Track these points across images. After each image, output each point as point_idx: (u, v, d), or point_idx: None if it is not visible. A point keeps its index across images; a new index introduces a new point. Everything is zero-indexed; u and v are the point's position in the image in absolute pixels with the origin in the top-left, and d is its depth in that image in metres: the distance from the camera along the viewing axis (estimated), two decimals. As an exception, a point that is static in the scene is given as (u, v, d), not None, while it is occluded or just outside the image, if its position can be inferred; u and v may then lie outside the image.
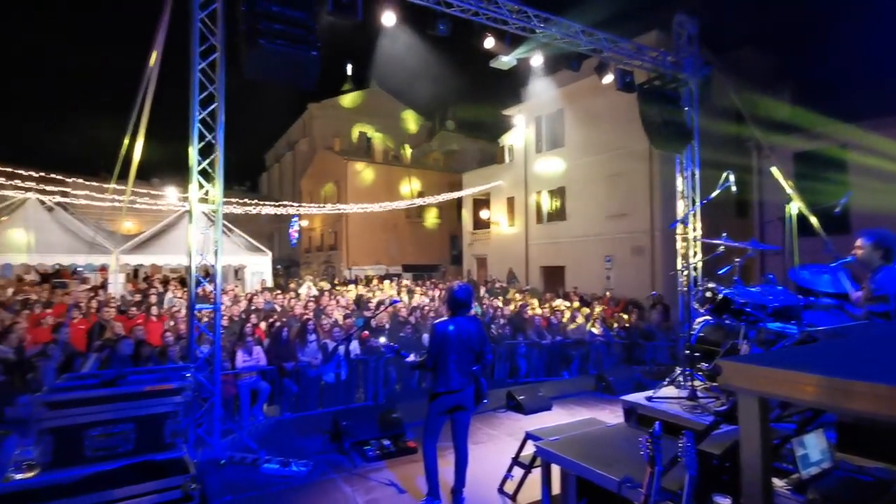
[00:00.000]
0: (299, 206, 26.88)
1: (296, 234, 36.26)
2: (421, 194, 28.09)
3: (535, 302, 12.61)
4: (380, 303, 11.32)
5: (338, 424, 5.60)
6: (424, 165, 33.44)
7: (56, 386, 2.98)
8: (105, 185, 15.29)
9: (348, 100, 36.91)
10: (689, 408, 4.03)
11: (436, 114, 38.38)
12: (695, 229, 8.44)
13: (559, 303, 12.58)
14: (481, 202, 25.72)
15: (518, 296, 14.21)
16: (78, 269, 16.26)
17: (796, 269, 4.19)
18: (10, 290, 12.56)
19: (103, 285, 14.80)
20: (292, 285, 17.13)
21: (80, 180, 17.02)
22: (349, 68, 39.39)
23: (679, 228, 8.42)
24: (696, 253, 8.21)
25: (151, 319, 8.80)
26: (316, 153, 34.20)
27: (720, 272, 4.45)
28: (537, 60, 8.01)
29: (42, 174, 15.07)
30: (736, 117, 14.69)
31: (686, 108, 8.56)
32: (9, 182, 14.54)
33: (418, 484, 4.65)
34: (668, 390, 4.47)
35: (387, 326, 8.82)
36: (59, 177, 15.45)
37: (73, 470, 2.19)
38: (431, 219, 31.79)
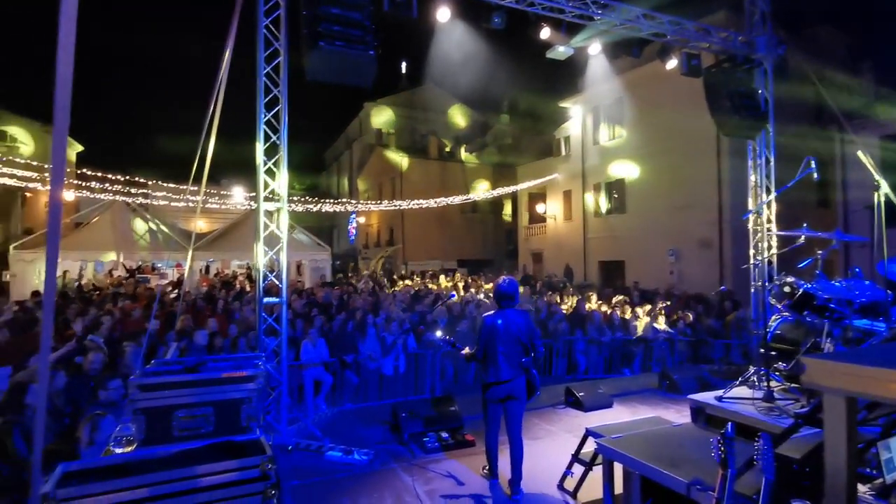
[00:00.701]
0: (357, 202, 27.58)
1: (354, 231, 37.25)
2: (475, 189, 28.06)
3: (594, 297, 12.31)
4: (437, 297, 11.43)
5: (397, 415, 5.72)
6: (479, 160, 33.36)
7: (146, 371, 3.26)
8: (181, 187, 16.36)
9: (403, 97, 37.39)
10: (765, 409, 3.81)
11: (490, 108, 38.14)
12: (769, 220, 7.91)
13: (619, 298, 12.19)
14: (537, 196, 25.34)
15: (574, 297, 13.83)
16: (157, 265, 17.55)
17: (885, 262, 3.84)
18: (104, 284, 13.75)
19: (180, 280, 15.88)
20: (351, 280, 17.63)
21: (159, 182, 18.27)
22: (404, 66, 39.90)
23: (752, 219, 7.91)
24: (770, 245, 7.68)
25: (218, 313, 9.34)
26: (372, 151, 34.95)
27: (800, 265, 4.15)
28: (595, 49, 7.77)
29: (127, 177, 16.33)
30: (814, 100, 13.61)
31: (760, 91, 8.02)
32: (100, 186, 15.88)
33: (477, 477, 4.67)
34: (741, 390, 4.23)
35: (443, 321, 8.90)
36: (141, 179, 16.68)
37: (164, 447, 2.39)
38: (486, 214, 31.68)
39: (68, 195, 19.16)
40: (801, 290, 3.81)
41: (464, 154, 33.83)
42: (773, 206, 7.84)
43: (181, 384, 3.02)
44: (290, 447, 5.27)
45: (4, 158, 15.18)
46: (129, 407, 2.84)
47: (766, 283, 6.47)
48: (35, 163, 15.73)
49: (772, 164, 8.17)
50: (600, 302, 11.77)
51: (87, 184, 17.21)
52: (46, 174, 15.74)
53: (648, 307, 10.95)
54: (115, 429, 2.85)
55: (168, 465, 1.99)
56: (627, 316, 10.43)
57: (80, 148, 26.53)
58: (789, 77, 8.65)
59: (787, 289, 3.90)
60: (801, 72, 9.84)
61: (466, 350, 4.63)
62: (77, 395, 4.81)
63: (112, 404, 4.38)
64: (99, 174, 15.95)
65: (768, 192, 8.04)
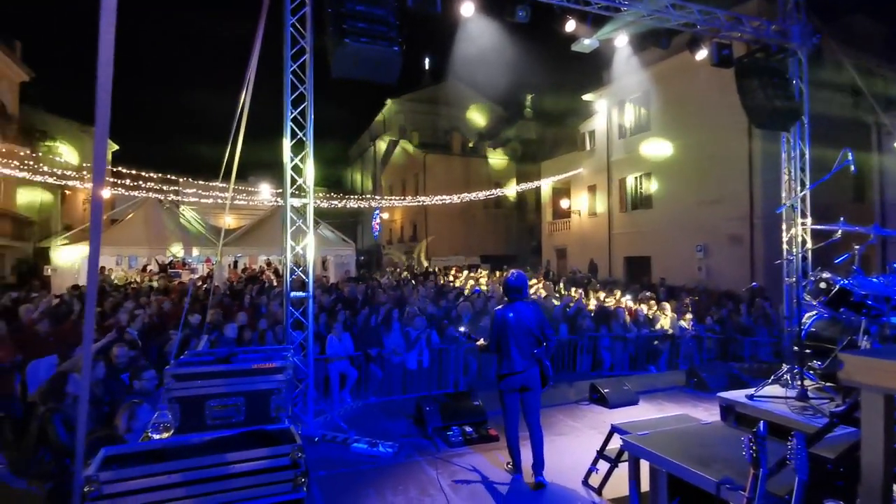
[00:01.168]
0: (381, 198, 27.77)
1: (378, 227, 37.54)
2: (498, 184, 27.92)
3: (619, 293, 12.14)
4: (459, 292, 11.45)
5: (421, 409, 5.77)
6: (502, 156, 33.19)
7: (180, 361, 3.39)
8: (211, 184, 16.76)
9: (426, 94, 37.42)
10: (798, 409, 3.71)
11: (513, 103, 37.86)
12: (804, 214, 7.66)
13: (645, 294, 12.00)
14: (561, 191, 25.07)
15: (601, 293, 13.61)
16: (188, 260, 18.03)
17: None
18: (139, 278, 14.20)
19: (210, 275, 16.29)
20: (375, 275, 17.80)
21: (190, 179, 18.74)
22: (427, 63, 39.90)
23: (786, 213, 7.68)
24: (805, 240, 7.44)
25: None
26: (395, 147, 35.12)
27: (837, 261, 4.01)
28: (622, 41, 7.62)
29: (159, 175, 16.81)
30: (851, 91, 13.08)
31: (794, 81, 7.76)
32: (134, 183, 16.39)
33: (500, 471, 4.68)
34: (773, 389, 4.13)
35: (467, 316, 8.91)
36: (172, 177, 17.15)
37: (198, 435, 2.48)
38: (510, 209, 31.53)
39: (105, 193, 19.86)
40: (837, 286, 3.68)
41: (487, 149, 33.70)
42: (808, 199, 7.60)
43: (213, 374, 3.14)
44: (316, 438, 5.37)
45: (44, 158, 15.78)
46: (165, 396, 2.97)
47: (801, 279, 6.27)
48: (74, 163, 16.32)
49: (807, 156, 7.91)
50: (626, 298, 11.60)
51: (122, 181, 17.80)
52: (85, 173, 16.35)
53: (675, 303, 10.75)
54: (151, 417, 2.98)
55: (203, 452, 2.08)
56: (653, 312, 10.26)
57: (115, 147, 27.42)
58: (824, 67, 8.35)
59: (822, 285, 3.78)
60: (835, 62, 9.47)
61: (481, 341, 4.77)
62: (115, 384, 5.00)
63: (147, 394, 4.55)
64: (133, 172, 16.47)
65: (803, 185, 7.79)
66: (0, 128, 15.73)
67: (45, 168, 15.39)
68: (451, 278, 16.76)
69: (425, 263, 25.65)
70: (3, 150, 14.95)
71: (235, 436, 2.39)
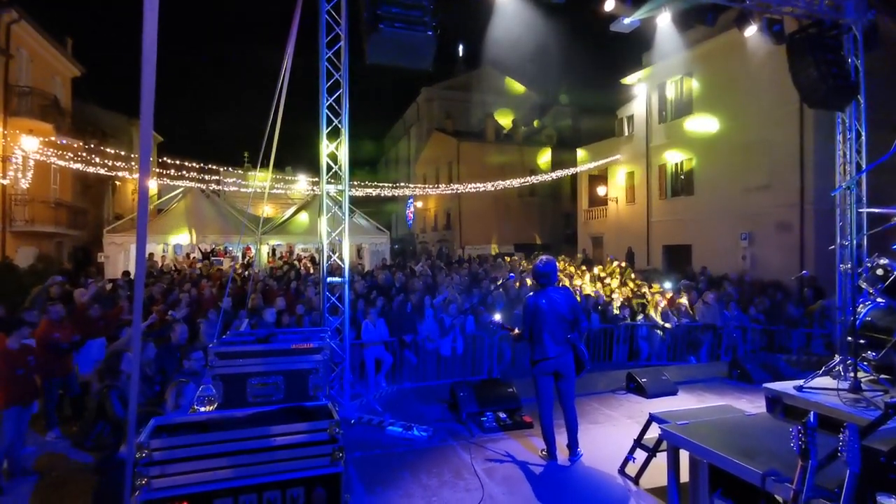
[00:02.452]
0: (415, 187, 27.87)
1: (411, 215, 37.75)
2: (533, 172, 27.56)
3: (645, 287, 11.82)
4: (493, 280, 11.41)
5: (455, 395, 5.80)
6: (538, 142, 32.71)
7: (223, 340, 3.53)
8: (250, 173, 17.19)
9: (460, 81, 37.16)
10: (851, 401, 3.53)
11: (549, 89, 37.17)
12: (860, 199, 7.23)
13: (686, 284, 11.65)
14: (597, 178, 24.53)
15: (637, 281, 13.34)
16: (229, 248, 18.63)
17: None
18: (184, 265, 14.78)
19: (250, 262, 16.80)
20: (410, 263, 17.94)
21: (230, 169, 19.27)
22: (461, 50, 39.58)
23: (841, 196, 7.26)
24: (861, 226, 7.03)
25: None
26: (430, 135, 35.09)
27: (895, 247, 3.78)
28: (664, 19, 7.32)
29: (201, 164, 17.36)
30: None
31: (849, 59, 7.29)
32: (178, 174, 16.99)
33: (534, 456, 4.67)
34: (823, 381, 3.95)
35: (501, 304, 8.89)
36: (214, 167, 17.66)
37: (241, 409, 2.58)
38: (545, 197, 31.09)
39: (152, 184, 20.70)
40: (895, 273, 3.47)
41: (522, 136, 33.25)
42: (865, 183, 7.16)
43: (254, 353, 3.27)
44: (352, 421, 5.48)
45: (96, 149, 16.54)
46: (209, 373, 3.11)
47: (856, 267, 5.93)
48: (123, 153, 17.04)
49: (863, 137, 7.44)
50: (665, 288, 11.30)
51: (167, 172, 18.49)
52: (133, 164, 17.07)
53: (717, 293, 10.39)
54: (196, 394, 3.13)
55: (245, 425, 2.17)
56: (688, 302, 9.95)
57: (160, 139, 28.49)
58: (880, 43, 7.81)
59: (879, 272, 3.57)
60: (892, 38, 8.84)
61: (516, 330, 4.77)
62: (165, 364, 5.25)
63: (194, 373, 4.76)
64: (177, 162, 17.07)
65: (859, 168, 7.33)
66: (55, 121, 16.54)
67: (97, 160, 16.13)
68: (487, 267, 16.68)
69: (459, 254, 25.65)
70: (58, 142, 15.74)
71: (276, 411, 2.48)
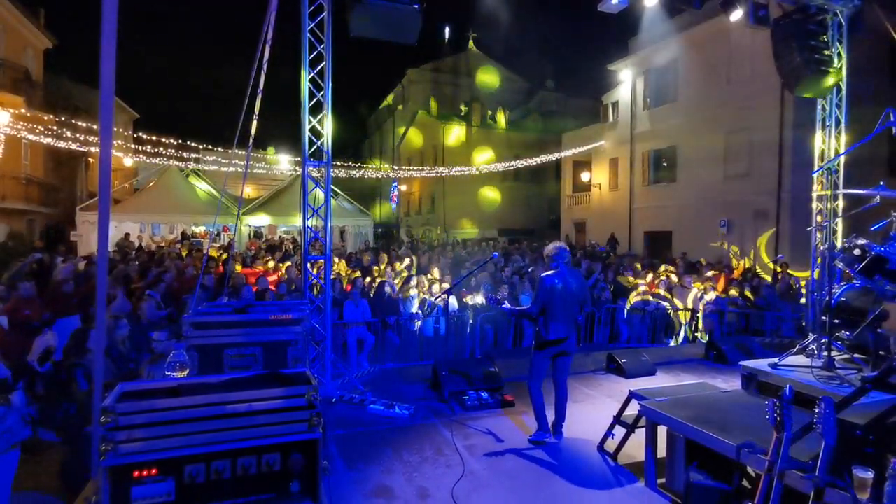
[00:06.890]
0: (399, 168, 27.62)
1: (395, 199, 37.49)
2: (518, 157, 27.52)
3: (639, 266, 11.95)
4: (476, 262, 11.40)
5: (437, 374, 5.81)
6: (522, 127, 32.61)
7: (198, 311, 3.45)
8: (230, 151, 16.79)
9: (446, 64, 36.72)
10: (825, 378, 3.62)
11: (534, 73, 37.00)
12: (836, 185, 7.36)
13: (665, 268, 11.81)
14: (581, 164, 24.60)
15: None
16: (209, 229, 18.28)
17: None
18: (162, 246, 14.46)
19: (230, 244, 16.51)
20: (393, 246, 17.85)
21: (209, 147, 18.79)
22: (447, 32, 39.02)
23: (817, 178, 7.38)
24: (837, 207, 7.18)
25: (269, 272, 9.67)
26: (414, 118, 34.72)
27: (873, 228, 3.84)
28: (652, 1, 7.27)
29: (180, 141, 16.87)
30: (891, 54, 12.38)
31: (833, 46, 7.35)
32: (154, 150, 16.51)
33: (516, 434, 4.71)
34: (797, 359, 4.04)
35: (487, 285, 8.89)
36: (193, 144, 17.18)
37: (215, 375, 2.52)
38: (528, 182, 31.12)
39: (126, 161, 20.11)
40: (872, 254, 3.54)
41: (507, 121, 33.11)
42: (842, 167, 7.30)
43: (231, 324, 3.21)
44: (334, 399, 5.45)
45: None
46: (183, 343, 3.03)
47: (832, 247, 6.05)
48: (95, 127, 16.47)
49: (843, 124, 7.55)
50: (645, 271, 11.44)
51: (143, 148, 17.95)
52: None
53: (695, 277, 10.56)
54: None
55: (219, 389, 2.11)
56: (671, 285, 10.10)
57: (136, 115, 27.63)
58: (865, 30, 7.88)
59: (857, 252, 3.63)
60: (878, 24, 8.94)
61: (520, 308, 4.84)
62: (139, 342, 5.13)
63: (161, 355, 4.66)
64: (153, 138, 16.57)
65: (837, 153, 7.44)
66: (26, 94, 15.90)
67: (69, 135, 15.58)
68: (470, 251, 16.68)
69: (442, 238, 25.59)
70: (29, 116, 15.15)
71: (251, 376, 2.42)
